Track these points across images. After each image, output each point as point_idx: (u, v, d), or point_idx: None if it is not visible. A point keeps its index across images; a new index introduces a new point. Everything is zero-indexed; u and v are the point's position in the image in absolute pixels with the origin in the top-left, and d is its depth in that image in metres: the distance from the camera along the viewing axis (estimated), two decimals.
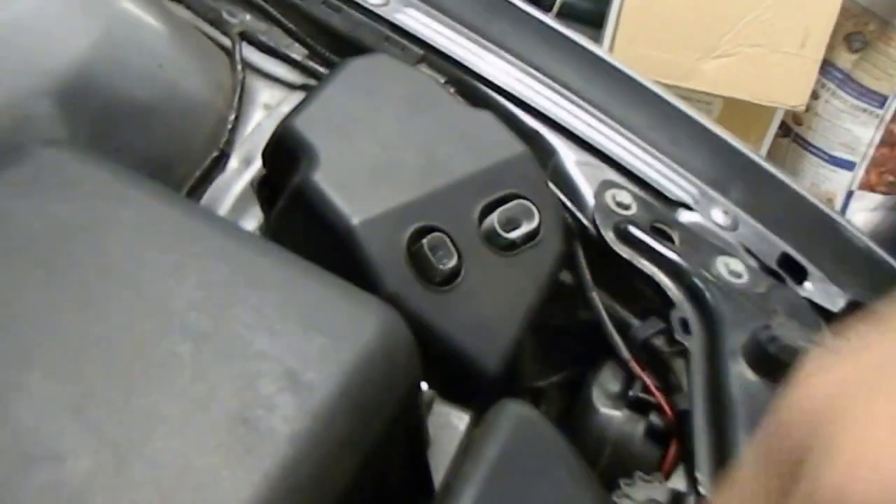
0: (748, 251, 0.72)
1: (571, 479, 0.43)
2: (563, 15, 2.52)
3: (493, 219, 0.61)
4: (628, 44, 1.92)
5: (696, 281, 0.66)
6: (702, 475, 0.54)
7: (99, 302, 0.36)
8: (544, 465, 0.43)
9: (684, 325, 0.64)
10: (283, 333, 0.38)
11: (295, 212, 0.59)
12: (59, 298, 0.36)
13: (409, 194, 0.58)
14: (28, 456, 0.31)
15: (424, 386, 0.52)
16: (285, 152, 0.61)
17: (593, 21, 2.72)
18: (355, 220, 0.55)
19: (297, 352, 0.37)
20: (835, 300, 0.71)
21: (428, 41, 0.75)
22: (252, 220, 0.67)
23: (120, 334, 0.35)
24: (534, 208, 0.62)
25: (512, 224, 0.62)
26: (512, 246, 0.61)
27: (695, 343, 0.62)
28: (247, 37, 0.74)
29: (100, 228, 0.39)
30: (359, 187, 0.57)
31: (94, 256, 0.38)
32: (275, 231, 0.63)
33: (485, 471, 0.40)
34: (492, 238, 0.61)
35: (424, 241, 0.57)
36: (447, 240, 0.58)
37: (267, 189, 0.67)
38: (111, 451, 0.32)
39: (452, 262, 0.58)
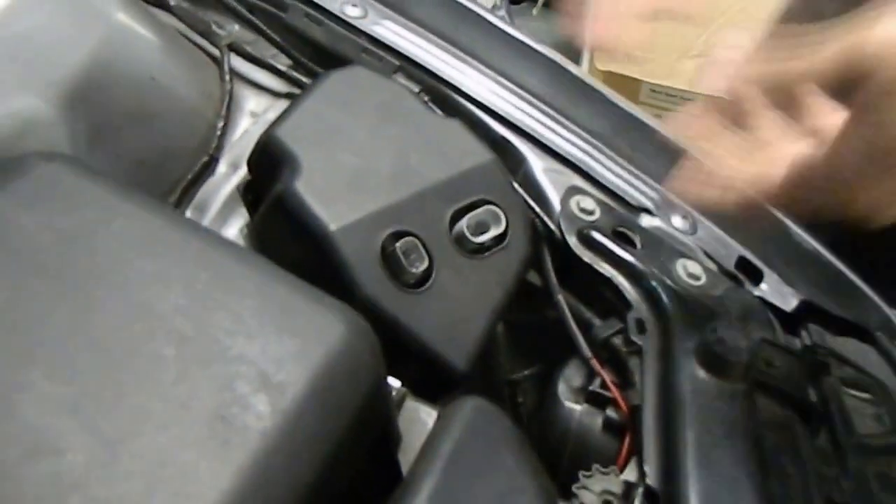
0: (707, 254, 0.77)
1: (521, 471, 0.47)
2: (548, 6, 2.56)
3: (463, 224, 0.65)
4: None
5: (653, 283, 0.70)
6: (649, 468, 0.59)
7: (94, 307, 0.40)
8: (497, 458, 0.47)
9: (640, 325, 0.68)
10: (258, 337, 0.42)
11: (276, 217, 0.63)
12: (58, 304, 0.40)
13: (383, 201, 0.63)
14: (32, 449, 0.35)
15: (396, 384, 0.56)
16: (268, 160, 0.65)
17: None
18: (332, 227, 0.60)
19: (270, 354, 0.41)
20: (788, 300, 0.76)
21: (404, 52, 0.78)
22: (238, 222, 0.71)
23: (112, 338, 0.40)
24: (501, 213, 0.67)
25: (481, 228, 0.66)
26: (480, 249, 0.66)
27: (649, 343, 0.67)
28: (234, 48, 0.78)
29: (95, 238, 0.43)
30: (336, 195, 0.62)
31: (90, 265, 0.42)
32: (257, 235, 0.67)
33: (440, 464, 0.44)
34: (462, 242, 0.65)
35: (397, 245, 0.61)
36: (419, 244, 0.62)
37: (251, 194, 0.71)
38: (104, 446, 0.36)
39: (424, 265, 0.62)
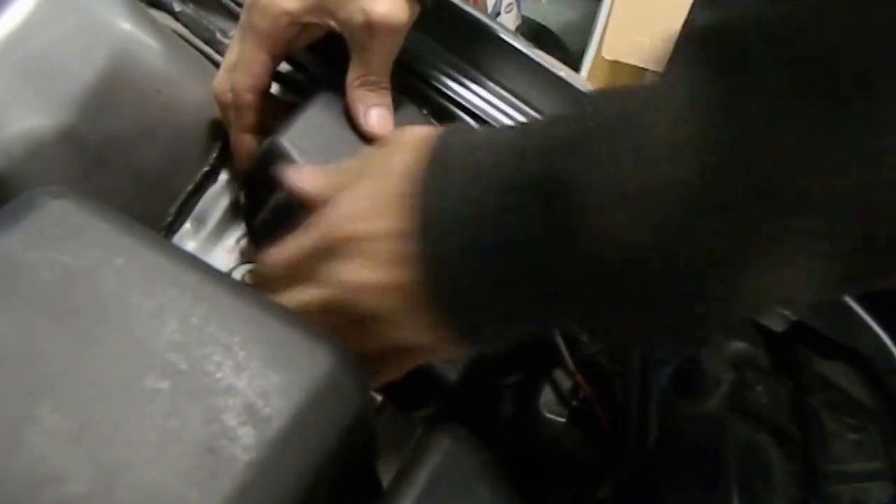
0: None
1: (496, 502, 0.53)
2: None
3: None
4: (620, 30, 1.99)
5: None
6: (624, 486, 0.64)
7: (95, 343, 0.46)
8: (471, 490, 0.52)
9: (623, 345, 0.73)
10: (247, 370, 0.47)
11: (278, 224, 0.68)
12: (62, 340, 0.45)
13: None
14: (36, 478, 0.41)
15: (378, 397, 0.61)
16: (270, 167, 0.69)
17: None
18: None
19: (258, 387, 0.47)
20: (777, 321, 0.80)
21: (406, 63, 0.83)
22: (237, 232, 0.76)
23: (111, 372, 0.45)
24: None
25: None
26: None
27: (629, 365, 0.72)
28: None
29: (97, 276, 0.48)
30: None
31: (92, 302, 0.47)
32: (258, 242, 0.72)
33: (414, 495, 0.50)
34: None
35: None
36: None
37: (251, 201, 0.76)
38: (103, 475, 0.41)
39: None
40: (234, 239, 0.76)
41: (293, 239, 0.62)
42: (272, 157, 0.70)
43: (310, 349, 0.50)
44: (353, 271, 0.57)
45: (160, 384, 0.45)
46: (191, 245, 0.75)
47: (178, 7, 0.84)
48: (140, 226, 0.52)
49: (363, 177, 0.60)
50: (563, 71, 0.86)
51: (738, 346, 0.75)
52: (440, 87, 0.82)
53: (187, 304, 0.49)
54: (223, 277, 0.53)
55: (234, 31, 0.83)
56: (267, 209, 0.69)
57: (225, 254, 0.75)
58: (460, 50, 0.85)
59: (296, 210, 0.65)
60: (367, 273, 0.56)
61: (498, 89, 0.84)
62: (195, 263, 0.52)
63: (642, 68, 2.02)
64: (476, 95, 0.83)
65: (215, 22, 0.85)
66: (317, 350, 0.50)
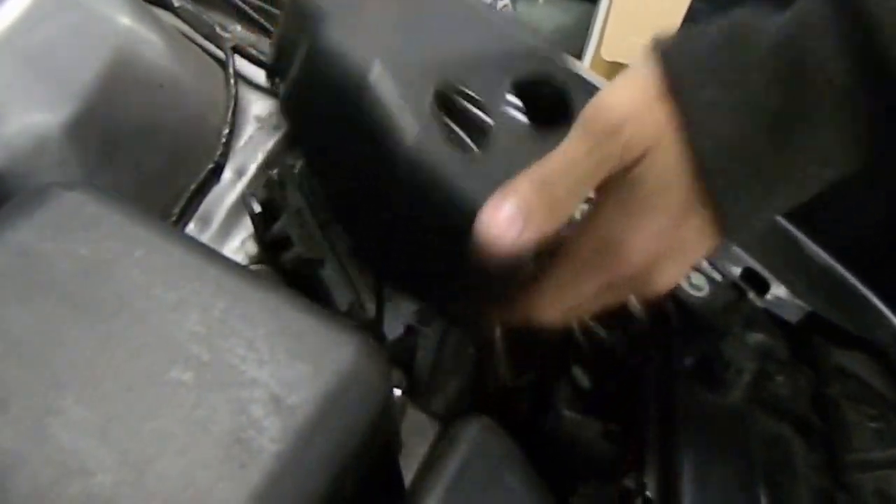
0: (712, 264, 0.82)
1: (525, 491, 0.53)
2: None
3: (526, 94, 0.63)
4: (619, 32, 2.01)
5: (655, 296, 0.75)
6: (648, 480, 0.65)
7: (117, 335, 0.46)
8: (500, 478, 0.53)
9: (642, 337, 0.74)
10: (271, 362, 0.48)
11: (310, 78, 0.62)
12: (83, 332, 0.46)
13: (432, 54, 0.60)
14: (65, 470, 0.41)
15: (398, 392, 0.62)
16: (297, 19, 0.64)
17: None
18: (373, 72, 0.56)
19: (283, 379, 0.47)
20: (794, 312, 0.81)
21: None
22: (242, 231, 0.77)
23: (135, 364, 0.45)
24: (567, 92, 0.65)
25: (545, 101, 0.64)
26: (543, 122, 0.62)
27: (651, 355, 0.72)
28: (239, 50, 0.83)
29: (116, 267, 0.49)
30: (376, 42, 0.58)
31: (112, 293, 0.48)
32: (288, 109, 0.68)
33: (445, 481, 0.50)
34: (523, 110, 0.62)
35: (451, 98, 0.60)
36: (475, 101, 0.60)
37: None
38: (131, 467, 0.42)
39: (479, 124, 0.59)
40: (239, 240, 0.76)
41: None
42: (298, 8, 0.64)
43: (332, 340, 0.50)
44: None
45: (184, 376, 0.46)
46: None
47: (177, 2, 0.84)
48: (155, 218, 0.53)
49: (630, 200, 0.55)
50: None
51: (757, 337, 0.76)
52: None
53: (209, 296, 0.49)
54: (243, 269, 0.53)
55: (234, 26, 0.84)
56: (298, 66, 0.63)
57: (232, 254, 0.75)
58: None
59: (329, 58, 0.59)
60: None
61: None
62: (214, 256, 0.53)
63: None
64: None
65: (214, 17, 0.86)
66: (339, 341, 0.50)
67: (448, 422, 0.63)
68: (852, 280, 0.83)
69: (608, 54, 2.13)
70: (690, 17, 1.25)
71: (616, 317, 0.77)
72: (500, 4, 2.50)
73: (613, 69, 2.20)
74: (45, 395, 0.43)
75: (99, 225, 0.50)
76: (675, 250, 0.57)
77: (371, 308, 0.70)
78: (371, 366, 0.51)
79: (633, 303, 0.76)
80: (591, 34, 2.39)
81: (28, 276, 0.47)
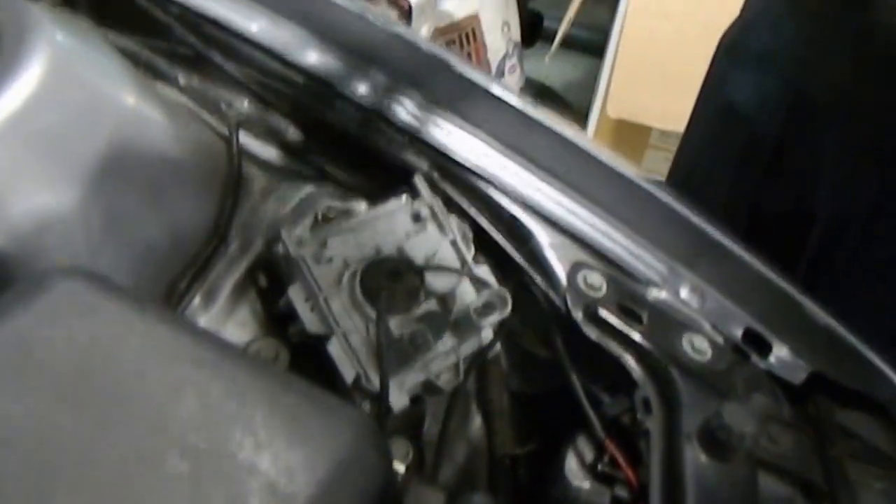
0: (714, 327, 0.81)
1: None
2: (565, 45, 2.62)
3: None
4: (623, 90, 2.01)
5: (659, 363, 0.74)
6: None
7: (113, 423, 0.45)
8: None
9: (646, 405, 0.72)
10: (269, 447, 0.46)
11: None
12: (79, 420, 0.45)
13: None
14: None
15: (401, 468, 0.60)
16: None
17: (593, 51, 2.82)
18: None
19: (281, 464, 0.46)
20: (796, 373, 0.80)
21: (413, 130, 0.83)
22: (248, 305, 0.76)
23: (130, 454, 0.44)
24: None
25: None
26: None
27: (655, 423, 0.70)
28: (244, 125, 0.83)
29: (113, 354, 0.48)
30: None
31: (109, 380, 0.47)
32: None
33: None
34: None
35: None
36: None
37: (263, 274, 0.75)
38: None
39: None
40: (247, 312, 0.75)
41: None
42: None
43: (331, 423, 0.49)
44: None
45: (181, 466, 0.44)
46: (202, 320, 0.74)
47: (182, 80, 0.84)
48: (153, 303, 0.52)
49: None
50: (566, 128, 0.87)
51: (760, 400, 0.75)
52: (447, 150, 0.82)
53: (205, 381, 0.48)
54: (240, 353, 0.52)
55: (240, 101, 0.84)
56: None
57: (238, 328, 0.74)
58: (464, 111, 0.85)
59: None
60: None
61: (501, 147, 0.84)
62: (211, 339, 0.51)
63: (648, 126, 2.05)
64: (483, 156, 0.83)
65: (220, 93, 0.85)
66: (338, 423, 0.49)
67: (454, 495, 0.61)
68: (852, 339, 0.82)
69: (613, 112, 2.13)
70: (710, 81, 1.25)
71: (620, 382, 0.76)
72: (508, 64, 2.50)
73: (620, 125, 2.20)
74: (39, 486, 0.42)
75: (96, 312, 0.49)
76: None
77: (375, 381, 0.68)
78: (371, 448, 0.50)
79: (637, 369, 0.74)
80: (596, 90, 2.40)
81: (25, 364, 0.46)
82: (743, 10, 1.15)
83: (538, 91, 2.95)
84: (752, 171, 1.17)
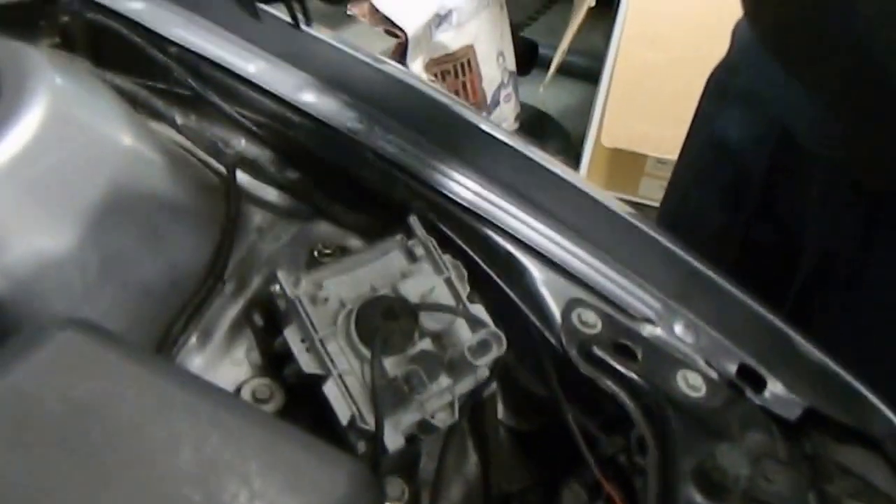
0: (709, 363, 0.80)
1: None
2: (561, 71, 2.63)
3: None
4: (617, 119, 2.02)
5: (654, 401, 0.74)
6: None
7: (109, 477, 0.45)
8: None
9: (641, 444, 0.72)
10: (264, 497, 0.46)
11: None
12: (74, 476, 0.45)
13: None
14: None
15: None
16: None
17: (588, 77, 2.84)
18: None
19: None
20: (791, 409, 0.79)
21: (408, 168, 0.83)
22: (244, 344, 0.75)
23: None
24: None
25: None
26: None
27: (650, 462, 0.70)
28: (241, 165, 0.83)
29: (109, 407, 0.48)
30: None
31: (104, 434, 0.47)
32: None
33: None
34: None
35: None
36: None
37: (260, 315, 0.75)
38: None
39: None
40: (242, 351, 0.75)
41: None
42: None
43: (327, 472, 0.49)
44: None
45: None
46: (197, 360, 0.74)
47: (179, 119, 0.84)
48: (149, 353, 0.52)
49: None
50: (557, 167, 0.87)
51: (755, 437, 0.74)
52: (442, 189, 0.83)
53: (201, 432, 0.48)
54: (235, 401, 0.52)
55: (237, 140, 0.84)
56: None
57: (234, 367, 0.74)
58: (458, 150, 0.86)
59: None
60: None
61: (495, 185, 0.85)
62: (207, 389, 0.51)
63: (643, 154, 2.07)
64: (477, 195, 0.84)
65: (217, 132, 0.85)
66: (334, 473, 0.49)
67: None
68: (846, 375, 0.82)
69: (608, 141, 2.14)
70: (699, 117, 1.26)
71: (616, 419, 0.76)
72: (503, 93, 2.51)
73: (615, 154, 2.21)
74: None
75: (93, 365, 0.49)
76: None
77: (371, 421, 0.68)
78: (366, 497, 0.50)
79: (632, 406, 0.74)
80: (591, 118, 2.41)
81: (20, 419, 0.46)
82: (729, 51, 1.16)
83: (535, 117, 2.96)
84: (741, 204, 1.17)
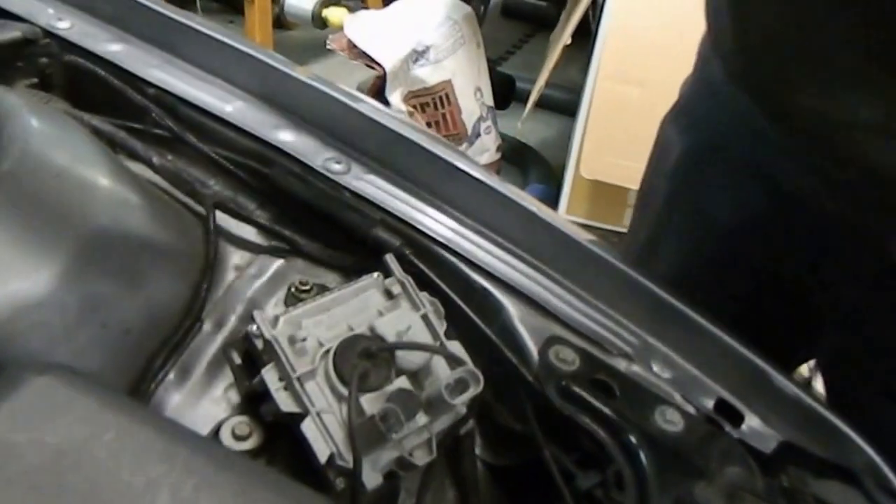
0: (685, 398, 0.81)
1: None
2: (539, 104, 2.65)
3: None
4: (596, 151, 2.03)
5: (631, 438, 0.74)
6: None
7: None
8: None
9: (618, 479, 0.72)
10: None
11: None
12: None
13: None
14: None
15: None
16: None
17: (565, 110, 2.87)
18: None
19: None
20: (769, 443, 0.80)
21: (385, 206, 0.84)
22: (223, 382, 0.75)
23: None
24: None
25: None
26: None
27: (628, 499, 0.70)
28: (219, 205, 0.83)
29: (85, 453, 0.47)
30: None
31: (81, 481, 0.46)
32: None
33: None
34: None
35: None
36: None
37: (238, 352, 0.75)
38: None
39: None
40: (221, 389, 0.75)
41: None
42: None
43: None
44: None
45: None
46: (175, 397, 0.73)
47: (157, 160, 0.84)
48: (126, 398, 0.52)
49: None
50: (533, 204, 0.88)
51: (733, 472, 0.75)
52: (419, 226, 0.83)
53: (178, 478, 0.48)
54: (211, 446, 0.52)
55: (213, 181, 0.84)
56: None
57: (212, 405, 0.74)
58: (435, 188, 0.86)
59: None
60: None
61: (471, 222, 0.85)
62: (183, 434, 0.51)
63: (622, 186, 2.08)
64: (454, 232, 0.84)
65: (195, 172, 0.86)
66: None
67: None
68: (821, 409, 0.82)
69: (587, 173, 2.15)
70: (661, 140, 1.25)
71: (593, 458, 0.76)
72: (483, 126, 2.53)
73: (595, 186, 2.22)
74: None
75: (69, 411, 0.49)
76: None
77: (349, 458, 0.68)
78: None
79: (610, 443, 0.74)
80: (570, 150, 2.43)
81: None
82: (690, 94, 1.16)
83: (516, 148, 2.98)
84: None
